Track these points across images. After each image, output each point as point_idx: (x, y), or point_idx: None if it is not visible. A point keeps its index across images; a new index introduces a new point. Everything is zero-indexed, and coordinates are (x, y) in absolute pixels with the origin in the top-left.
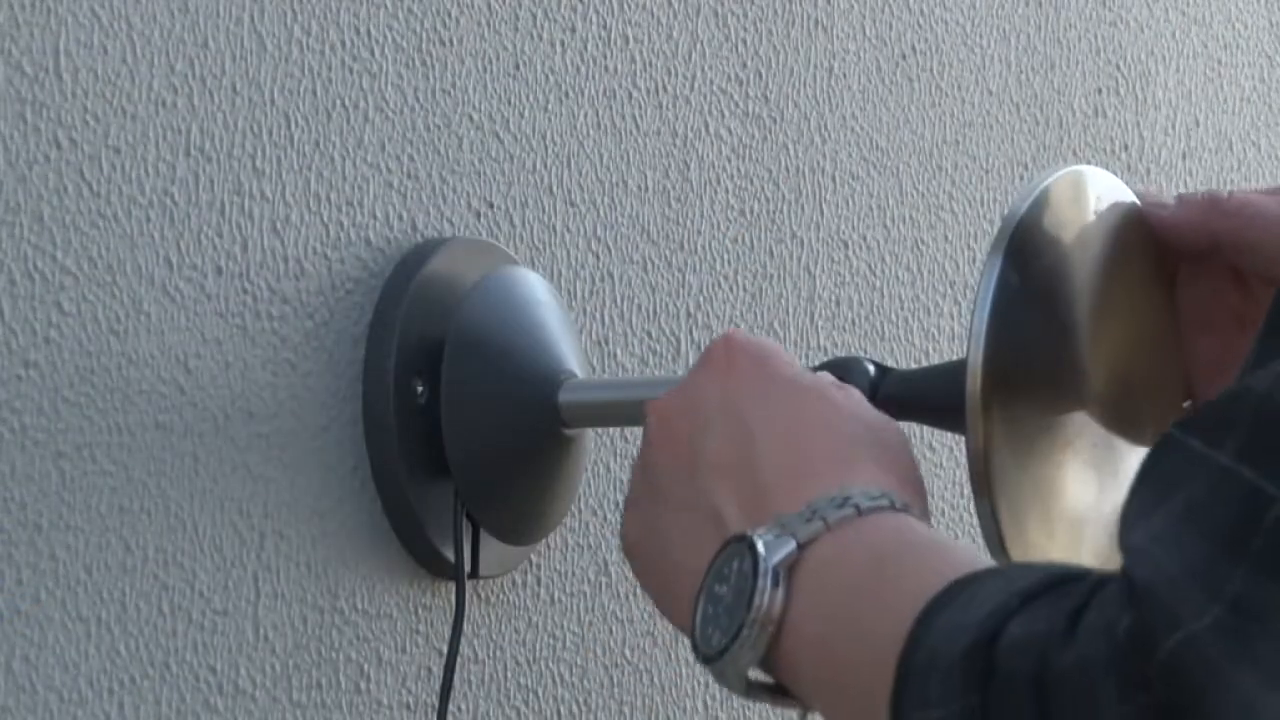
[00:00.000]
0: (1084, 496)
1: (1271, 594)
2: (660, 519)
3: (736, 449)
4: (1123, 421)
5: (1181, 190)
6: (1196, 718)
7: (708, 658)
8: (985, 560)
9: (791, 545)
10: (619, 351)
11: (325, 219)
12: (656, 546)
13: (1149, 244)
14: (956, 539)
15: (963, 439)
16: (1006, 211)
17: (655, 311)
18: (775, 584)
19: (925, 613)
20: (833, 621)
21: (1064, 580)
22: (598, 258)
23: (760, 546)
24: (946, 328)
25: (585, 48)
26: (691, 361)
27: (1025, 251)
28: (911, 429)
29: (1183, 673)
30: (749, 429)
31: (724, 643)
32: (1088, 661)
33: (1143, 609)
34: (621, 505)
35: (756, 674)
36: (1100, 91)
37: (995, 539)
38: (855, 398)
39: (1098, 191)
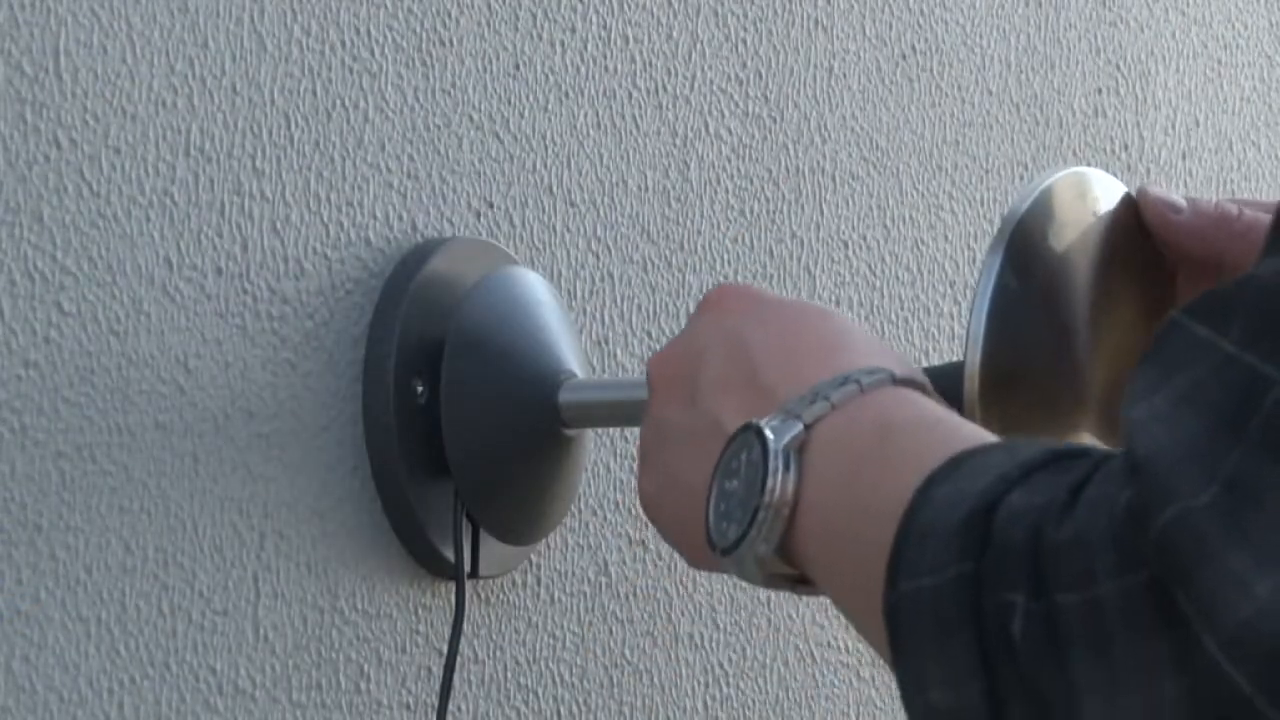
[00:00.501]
0: None
1: (1267, 475)
2: (668, 455)
3: (735, 365)
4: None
5: (1183, 190)
6: (1187, 593)
7: (724, 549)
8: (989, 436)
9: (798, 427)
10: (619, 351)
11: (325, 219)
12: (668, 485)
13: (1149, 244)
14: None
15: None
16: (1006, 212)
17: (655, 311)
18: (786, 466)
19: (926, 483)
20: (838, 497)
21: (1068, 455)
22: (598, 257)
23: (768, 432)
24: (946, 328)
25: (585, 48)
26: None
27: (1025, 252)
28: None
29: (1175, 548)
30: (745, 345)
31: (740, 532)
32: (1086, 534)
33: (1141, 484)
34: (622, 504)
35: (777, 565)
36: (1100, 91)
37: None
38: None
39: (1098, 192)
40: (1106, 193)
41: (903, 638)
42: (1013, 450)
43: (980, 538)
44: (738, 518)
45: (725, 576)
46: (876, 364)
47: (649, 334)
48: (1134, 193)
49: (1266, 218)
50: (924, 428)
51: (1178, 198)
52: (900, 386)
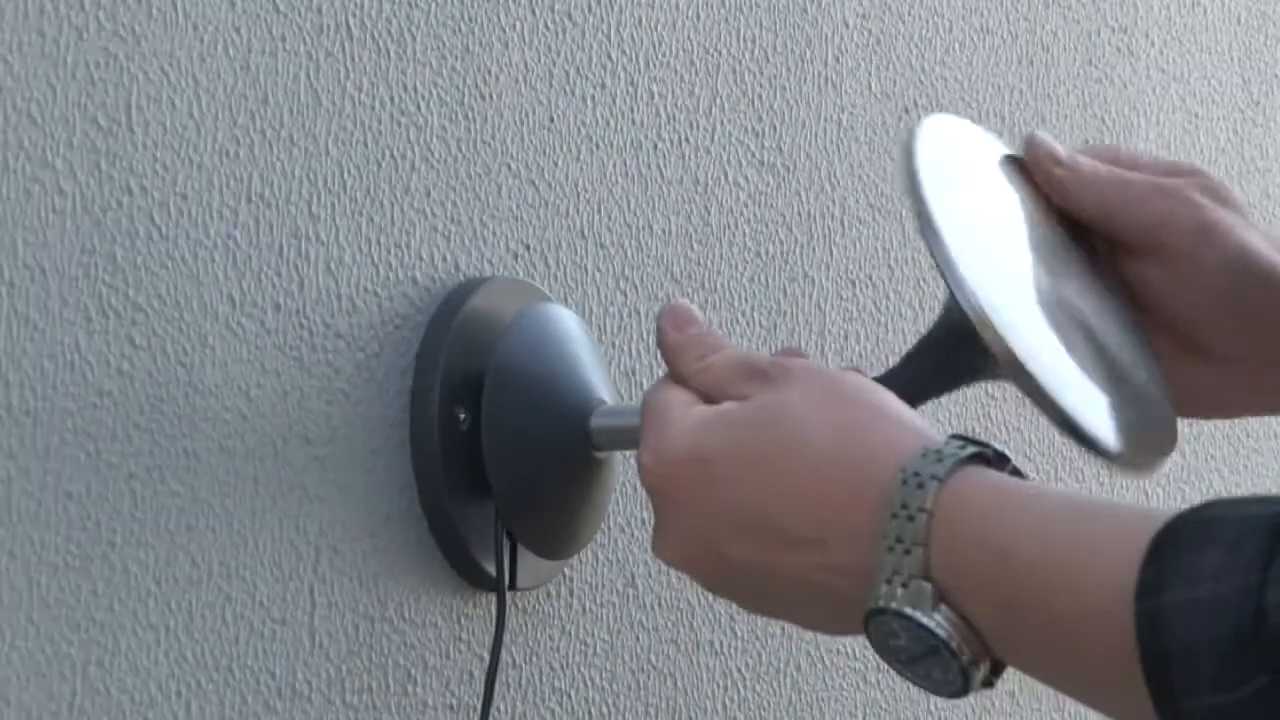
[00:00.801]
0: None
1: None
2: (758, 603)
3: (760, 536)
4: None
5: None
6: None
7: (954, 694)
8: (1077, 496)
9: (925, 587)
10: (645, 381)
11: (375, 260)
12: (783, 613)
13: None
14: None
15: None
16: (905, 173)
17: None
18: (954, 625)
19: (1142, 592)
20: (1014, 629)
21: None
22: (625, 296)
23: (905, 610)
24: None
25: (614, 102)
26: None
27: (946, 199)
28: None
29: None
30: (751, 513)
31: (959, 683)
32: None
33: None
34: (648, 521)
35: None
36: (1087, 143)
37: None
38: (783, 397)
39: (958, 137)
40: (965, 136)
41: None
42: (1215, 532)
43: (1267, 647)
44: (948, 671)
45: None
46: (881, 461)
47: None
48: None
49: (1163, 182)
50: (1025, 530)
51: (1061, 150)
52: (941, 480)
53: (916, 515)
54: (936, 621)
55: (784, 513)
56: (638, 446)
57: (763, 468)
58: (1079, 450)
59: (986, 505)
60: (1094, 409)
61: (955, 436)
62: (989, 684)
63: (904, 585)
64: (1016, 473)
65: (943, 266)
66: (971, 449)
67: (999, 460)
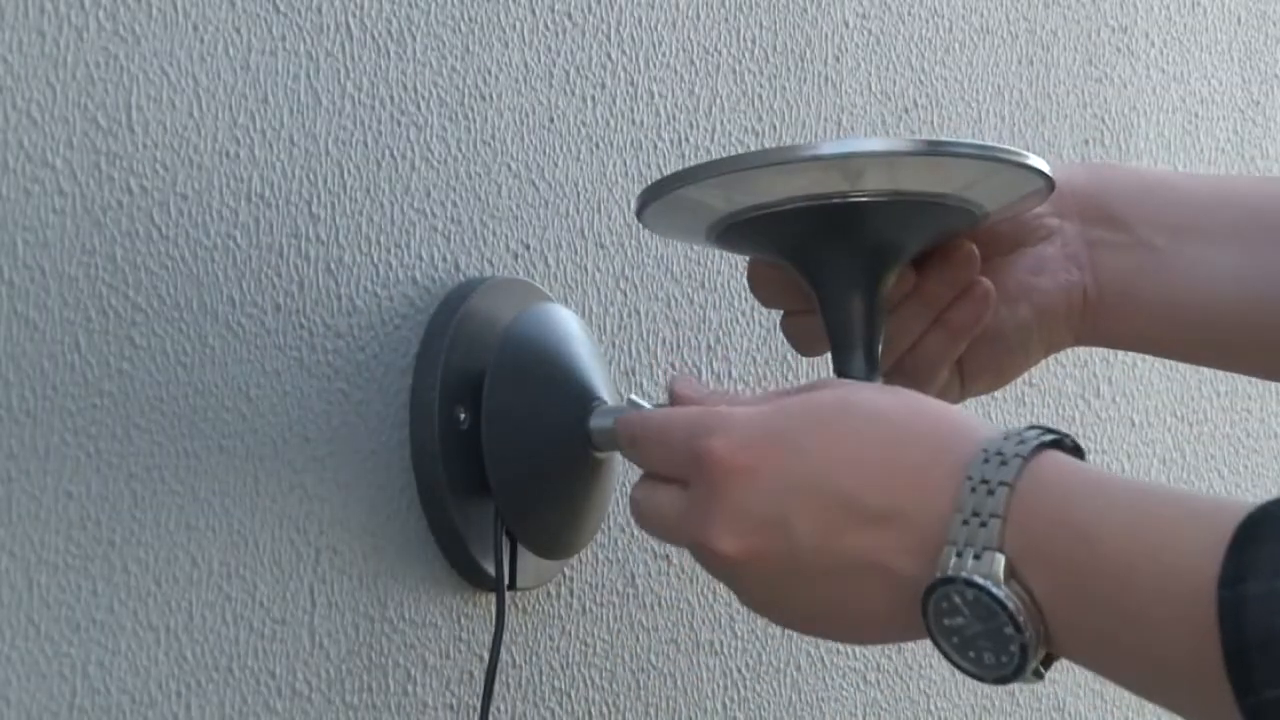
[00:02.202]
0: None
1: None
2: (803, 596)
3: (830, 511)
4: None
5: None
6: None
7: (1001, 679)
8: (1143, 485)
9: (997, 559)
10: (645, 381)
11: (375, 260)
12: (824, 614)
13: None
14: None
15: None
16: None
17: (678, 344)
18: (1021, 601)
19: (1225, 580)
20: (1085, 611)
21: None
22: (625, 295)
23: (979, 580)
24: None
25: (614, 102)
26: (711, 389)
27: None
28: None
29: None
30: (823, 487)
31: (1015, 663)
32: None
33: None
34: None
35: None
36: (1087, 142)
37: None
38: (849, 391)
39: None
40: None
41: None
42: None
43: None
44: (1003, 653)
45: None
46: (962, 440)
47: (672, 365)
48: None
49: None
50: (1107, 513)
51: None
52: (1024, 458)
53: (997, 489)
54: (1005, 593)
55: (863, 486)
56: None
57: (843, 442)
58: None
59: (1069, 486)
60: None
61: (1034, 426)
62: (1039, 675)
63: (976, 557)
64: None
65: None
66: (1052, 435)
67: (1075, 451)
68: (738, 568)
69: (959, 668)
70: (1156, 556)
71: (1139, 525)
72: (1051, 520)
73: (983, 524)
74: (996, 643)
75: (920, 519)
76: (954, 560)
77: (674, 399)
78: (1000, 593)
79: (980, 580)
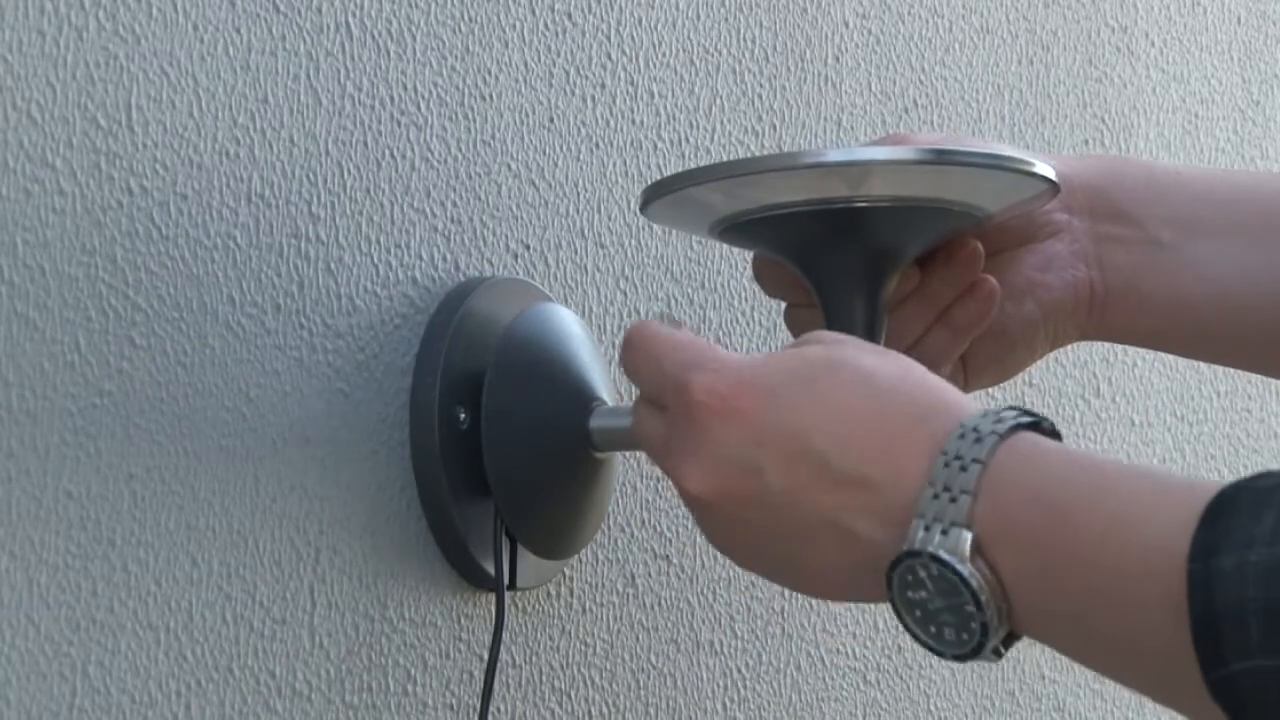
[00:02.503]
0: None
1: None
2: (769, 548)
3: (801, 465)
4: None
5: None
6: None
7: (960, 656)
8: (1121, 464)
9: (965, 535)
10: None
11: (375, 260)
12: (784, 565)
13: None
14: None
15: None
16: None
17: None
18: (985, 579)
19: (1195, 552)
20: (1050, 588)
21: None
22: (625, 295)
23: (944, 555)
24: None
25: (614, 102)
26: None
27: None
28: None
29: None
30: (798, 438)
31: (975, 641)
32: None
33: None
34: (648, 521)
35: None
36: (1087, 143)
37: None
38: (842, 350)
39: None
40: None
41: (1257, 710)
42: (1271, 499)
43: None
44: (964, 630)
45: (742, 589)
46: (941, 414)
47: None
48: None
49: None
50: (1083, 489)
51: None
52: (1000, 436)
53: (970, 465)
54: (970, 571)
55: (837, 446)
56: (636, 448)
57: (824, 399)
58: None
59: (1041, 464)
60: None
61: (1013, 407)
62: (998, 654)
63: (943, 532)
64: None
65: None
66: (1030, 418)
67: (1053, 434)
68: (704, 506)
69: (919, 641)
70: (1127, 532)
71: (1110, 501)
72: (1022, 498)
73: (953, 499)
74: (958, 619)
75: (890, 488)
76: (921, 534)
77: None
78: (964, 570)
79: (945, 556)
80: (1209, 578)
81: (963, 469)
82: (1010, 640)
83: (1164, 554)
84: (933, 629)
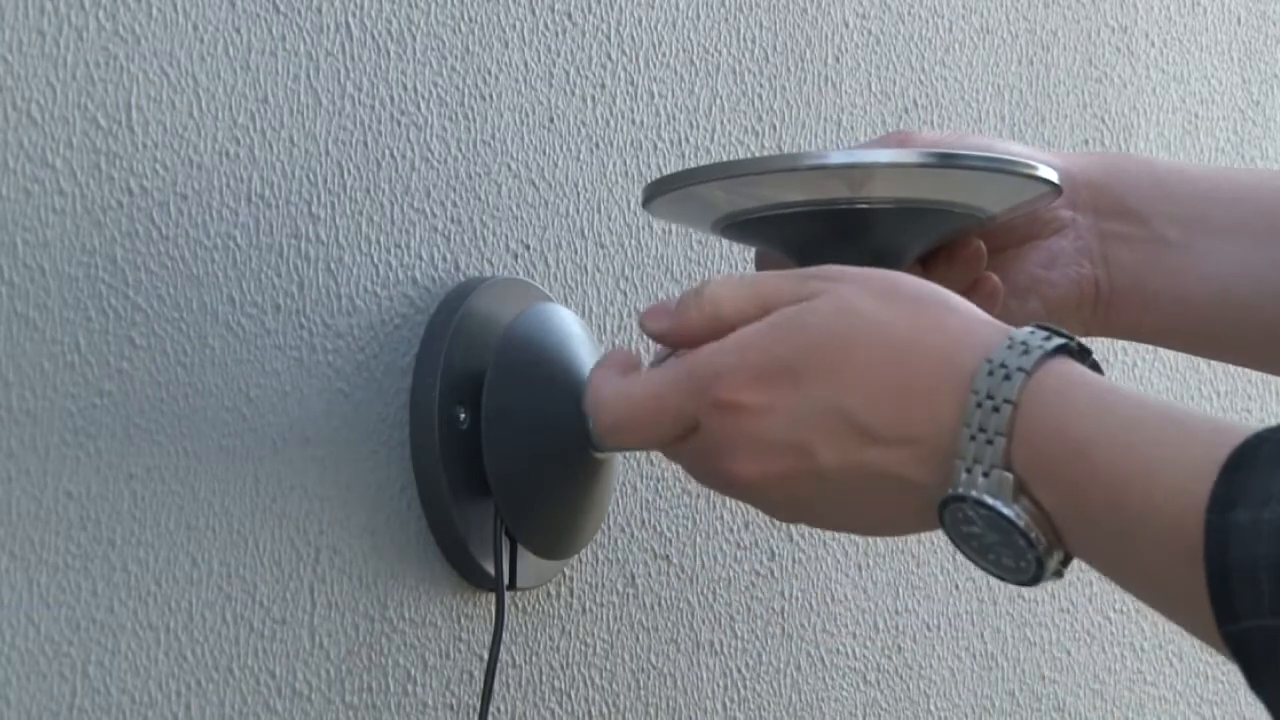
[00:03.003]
0: None
1: None
2: (832, 508)
3: (847, 438)
4: None
5: None
6: None
7: (1023, 582)
8: (1149, 400)
9: (1005, 476)
10: None
11: (375, 260)
12: (850, 519)
13: None
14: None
15: None
16: None
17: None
18: (1032, 518)
19: (1213, 504)
20: (1088, 524)
21: None
22: (625, 295)
23: (985, 498)
24: None
25: (614, 102)
26: None
27: None
28: None
29: None
30: (838, 414)
31: (1031, 568)
32: None
33: None
34: (648, 521)
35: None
36: (1087, 143)
37: None
38: (849, 304)
39: None
40: None
41: (1262, 666)
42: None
43: None
44: (1021, 559)
45: (742, 589)
46: (965, 352)
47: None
48: None
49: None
50: (1106, 428)
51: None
52: (1027, 372)
53: (1002, 406)
54: (1015, 511)
55: (875, 411)
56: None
57: (847, 366)
58: None
59: (1070, 399)
60: None
61: (1039, 326)
62: (1058, 574)
63: (985, 475)
64: (1096, 367)
65: None
66: (1057, 340)
67: (1081, 353)
68: (761, 490)
69: (982, 568)
70: (1149, 477)
71: (1135, 444)
72: (1052, 436)
73: (989, 441)
74: (1013, 551)
75: (932, 438)
76: (964, 476)
77: (660, 339)
78: (1010, 512)
79: (990, 500)
80: (1224, 532)
81: (995, 409)
82: (1068, 559)
83: (1185, 501)
84: (991, 557)
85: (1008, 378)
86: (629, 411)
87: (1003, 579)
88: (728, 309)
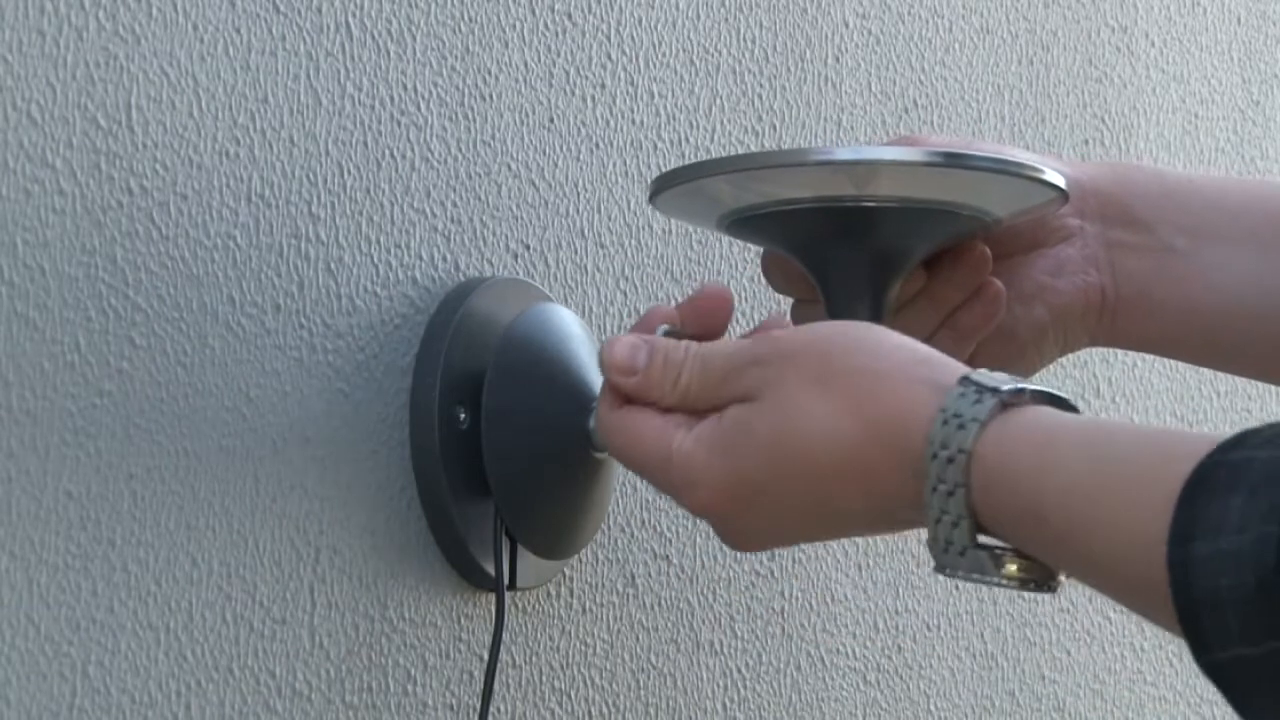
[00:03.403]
0: None
1: None
2: (804, 535)
3: (821, 516)
4: None
5: None
6: None
7: (1033, 594)
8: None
9: (980, 555)
10: None
11: (375, 260)
12: (819, 536)
13: None
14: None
15: None
16: None
17: None
18: (1006, 574)
19: (1174, 539)
20: (1057, 552)
21: None
22: (625, 295)
23: (974, 578)
24: None
25: (614, 102)
26: None
27: None
28: None
29: None
30: (805, 506)
31: (1031, 592)
32: None
33: None
34: (648, 521)
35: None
36: (1087, 143)
37: None
38: (790, 421)
39: None
40: None
41: (1244, 696)
42: (1241, 476)
43: None
44: (1022, 591)
45: (742, 589)
46: (911, 439)
47: None
48: None
49: None
50: (1054, 489)
51: None
52: (967, 455)
53: (956, 457)
54: (1003, 576)
55: (843, 499)
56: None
57: (803, 475)
58: None
59: (1015, 469)
60: None
61: (967, 387)
62: (1053, 589)
63: (960, 554)
64: (1046, 397)
65: None
66: (989, 401)
67: (1015, 397)
68: (742, 546)
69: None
70: (1107, 527)
71: (1085, 498)
72: (1009, 507)
73: (950, 493)
74: (1012, 588)
75: (903, 507)
76: (944, 556)
77: (614, 386)
78: (995, 579)
79: (975, 578)
80: (1187, 566)
81: (950, 460)
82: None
83: (1145, 542)
84: (994, 585)
85: (951, 461)
86: (625, 450)
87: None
88: (694, 394)
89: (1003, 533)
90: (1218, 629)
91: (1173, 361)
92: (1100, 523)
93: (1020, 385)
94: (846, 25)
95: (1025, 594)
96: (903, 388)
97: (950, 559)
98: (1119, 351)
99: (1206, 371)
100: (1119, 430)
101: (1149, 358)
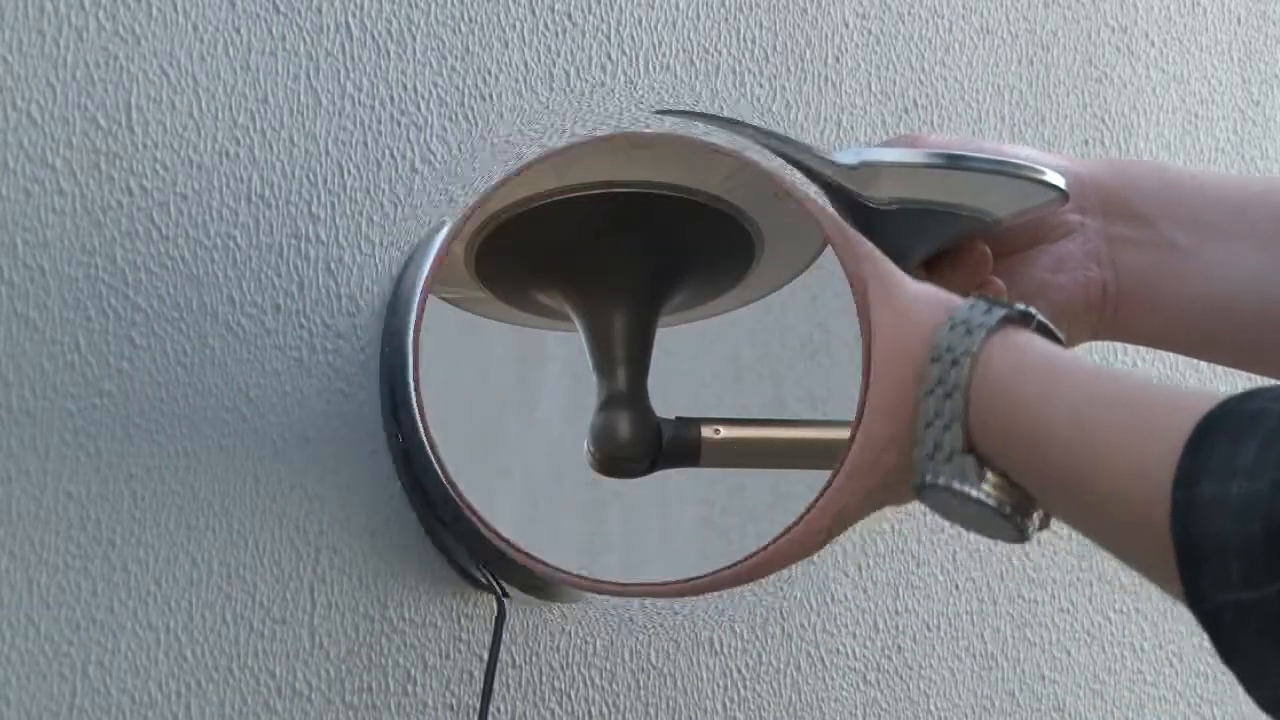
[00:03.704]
0: None
1: None
2: None
3: None
4: None
5: None
6: None
7: (1015, 541)
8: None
9: (968, 461)
10: None
11: (376, 260)
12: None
13: None
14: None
15: None
16: None
17: None
18: (992, 487)
19: (1180, 480)
20: (1055, 490)
21: None
22: None
23: (956, 486)
24: None
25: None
26: None
27: None
28: None
29: None
30: None
31: (1017, 534)
32: None
33: None
34: None
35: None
36: (1087, 143)
37: None
38: None
39: None
40: None
41: (1234, 643)
42: (1255, 425)
43: None
44: (1004, 528)
45: (741, 590)
46: (920, 346)
47: None
48: None
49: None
50: (1061, 413)
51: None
52: (974, 354)
53: (961, 359)
54: (984, 492)
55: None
56: None
57: None
58: None
59: (1018, 386)
60: None
61: (980, 298)
62: (1044, 526)
63: (947, 460)
64: (1044, 328)
65: None
66: (998, 313)
67: (1024, 320)
68: None
69: (975, 533)
70: (1111, 461)
71: (1091, 431)
72: (1005, 424)
73: (945, 427)
74: (995, 523)
75: (901, 427)
76: (928, 463)
77: None
78: (978, 494)
79: (956, 486)
80: (1191, 507)
81: (947, 396)
82: (1049, 516)
83: (1149, 481)
84: (978, 526)
85: (955, 363)
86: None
87: (998, 539)
88: None
89: (992, 449)
90: (1216, 572)
91: (1173, 361)
92: (1102, 458)
93: (1030, 310)
94: (846, 25)
95: (996, 545)
96: (919, 306)
97: (935, 465)
98: (1119, 351)
99: (1207, 371)
100: (1127, 374)
101: (1149, 357)
